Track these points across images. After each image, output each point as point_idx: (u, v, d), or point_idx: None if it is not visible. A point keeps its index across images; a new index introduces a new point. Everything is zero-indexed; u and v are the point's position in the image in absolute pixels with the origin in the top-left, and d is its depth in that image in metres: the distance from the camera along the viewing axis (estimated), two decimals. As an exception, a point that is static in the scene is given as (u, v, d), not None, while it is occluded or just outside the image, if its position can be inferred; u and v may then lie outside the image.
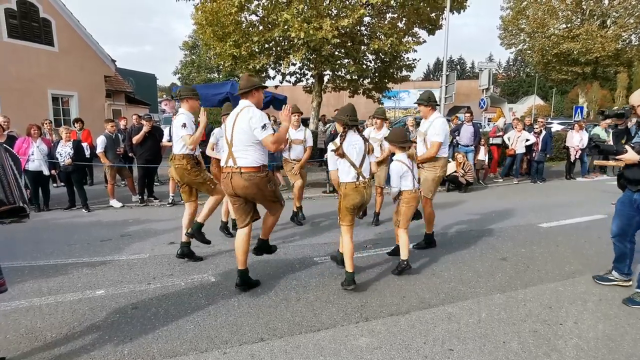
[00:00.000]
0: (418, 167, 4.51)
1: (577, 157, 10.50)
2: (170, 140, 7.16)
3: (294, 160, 5.54)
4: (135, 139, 7.27)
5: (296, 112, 5.48)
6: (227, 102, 6.23)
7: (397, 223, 3.89)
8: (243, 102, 3.30)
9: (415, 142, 4.67)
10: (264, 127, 3.09)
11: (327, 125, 12.32)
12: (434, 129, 4.36)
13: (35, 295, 3.38)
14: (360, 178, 3.36)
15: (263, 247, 3.74)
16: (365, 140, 3.46)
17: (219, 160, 4.91)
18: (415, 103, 5.00)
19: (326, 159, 8.74)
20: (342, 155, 3.31)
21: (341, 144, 3.33)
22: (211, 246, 4.66)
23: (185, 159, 4.05)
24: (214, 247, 4.68)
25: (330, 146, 3.41)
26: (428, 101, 4.44)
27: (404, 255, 3.77)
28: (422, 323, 2.92)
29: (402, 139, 3.83)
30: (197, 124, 4.11)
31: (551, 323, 2.92)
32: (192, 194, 4.30)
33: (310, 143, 5.71)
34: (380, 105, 6.58)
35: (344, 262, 3.46)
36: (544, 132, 9.80)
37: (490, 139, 10.30)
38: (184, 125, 3.95)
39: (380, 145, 5.54)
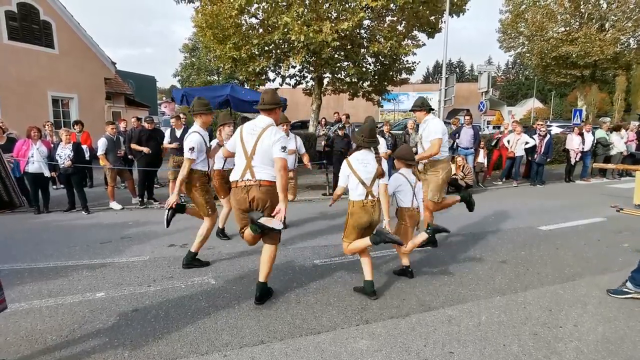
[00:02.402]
0: (423, 173, 4.55)
1: (577, 159, 10.52)
2: (170, 142, 7.26)
3: None
4: (134, 147, 7.30)
5: (283, 122, 5.44)
6: (223, 112, 6.24)
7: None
8: (266, 119, 3.20)
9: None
10: (283, 149, 3.10)
11: (328, 127, 12.32)
12: (429, 129, 4.44)
13: (35, 297, 3.38)
14: (369, 197, 3.31)
15: (263, 292, 3.31)
16: (379, 162, 3.41)
17: (220, 173, 4.89)
18: (410, 110, 5.08)
19: (326, 162, 8.75)
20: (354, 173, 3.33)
21: (347, 155, 3.34)
22: (211, 249, 4.67)
23: (196, 175, 4.00)
24: (214, 249, 4.69)
25: (345, 164, 3.38)
26: (421, 106, 4.55)
27: (405, 262, 3.86)
28: (422, 326, 2.93)
29: (410, 156, 3.84)
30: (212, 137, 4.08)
31: (551, 326, 2.92)
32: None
33: (303, 150, 5.72)
34: (369, 115, 6.68)
35: (360, 247, 3.40)
36: (548, 136, 9.83)
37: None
38: (192, 150, 3.88)
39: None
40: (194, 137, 3.97)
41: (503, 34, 23.55)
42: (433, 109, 4.86)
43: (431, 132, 4.40)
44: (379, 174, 3.36)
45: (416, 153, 4.61)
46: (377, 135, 5.73)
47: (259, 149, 3.11)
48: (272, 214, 3.06)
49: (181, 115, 8.08)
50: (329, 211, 6.53)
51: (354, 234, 3.37)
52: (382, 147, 5.61)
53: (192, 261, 4.11)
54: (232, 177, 3.22)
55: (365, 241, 3.32)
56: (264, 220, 2.96)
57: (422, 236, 3.65)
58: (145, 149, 7.24)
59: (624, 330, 2.87)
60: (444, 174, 4.50)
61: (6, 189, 2.20)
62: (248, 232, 3.19)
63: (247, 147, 3.16)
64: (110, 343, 2.68)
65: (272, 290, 3.45)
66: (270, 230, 3.04)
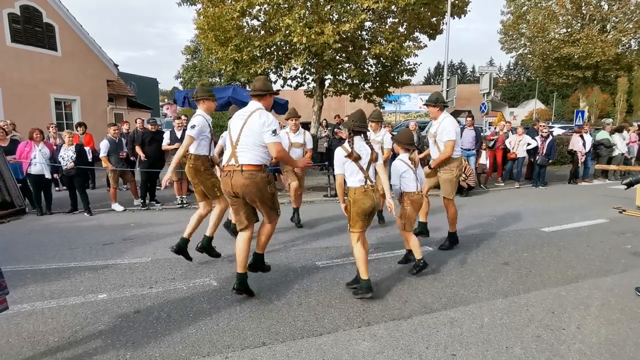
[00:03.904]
0: (434, 169, 4.55)
1: (582, 161, 10.49)
2: (170, 144, 7.27)
3: None
4: (137, 150, 7.34)
5: (294, 116, 5.50)
6: (232, 105, 6.29)
7: (403, 226, 3.88)
8: (255, 104, 3.30)
9: (419, 148, 4.71)
10: (274, 132, 3.16)
11: (330, 129, 12.33)
12: (444, 129, 4.38)
13: (38, 299, 3.39)
14: (368, 182, 3.33)
15: (258, 263, 3.54)
16: (371, 147, 3.44)
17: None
18: (424, 104, 5.02)
19: (328, 164, 8.70)
20: (358, 158, 3.27)
21: (352, 148, 3.29)
22: (213, 250, 4.67)
23: (200, 160, 4.04)
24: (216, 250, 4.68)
25: (340, 151, 3.33)
26: (436, 102, 4.47)
27: (418, 255, 3.81)
28: (424, 328, 2.92)
29: (408, 141, 3.86)
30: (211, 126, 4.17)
31: (554, 328, 2.91)
32: (205, 194, 4.31)
33: (310, 146, 5.73)
34: (376, 108, 6.75)
35: (359, 269, 3.39)
36: (550, 137, 9.82)
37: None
38: (193, 127, 3.94)
39: (381, 147, 5.55)
40: (198, 118, 4.02)
41: (504, 35, 23.57)
42: (447, 105, 4.81)
43: (444, 133, 4.35)
44: (374, 159, 3.40)
45: (420, 151, 4.60)
46: (386, 132, 5.76)
47: (245, 132, 3.18)
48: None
49: (182, 117, 8.10)
50: (330, 213, 6.53)
51: (360, 222, 3.33)
52: (387, 143, 5.59)
53: (207, 246, 4.15)
54: (223, 161, 3.35)
55: (362, 259, 3.35)
56: None
57: (418, 251, 3.79)
58: (142, 155, 7.26)
59: (626, 332, 2.86)
60: (457, 172, 4.50)
61: (8, 190, 2.22)
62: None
63: (232, 133, 3.25)
64: (112, 345, 2.68)
65: (268, 267, 3.66)
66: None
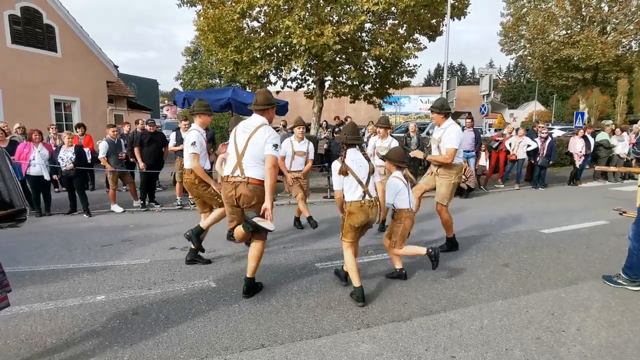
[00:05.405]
0: (435, 173, 4.53)
1: (580, 162, 10.49)
2: (176, 145, 7.28)
3: (294, 171, 5.57)
4: (136, 153, 7.36)
5: (301, 125, 5.52)
6: (233, 117, 6.37)
7: (393, 244, 3.76)
8: (259, 119, 3.32)
9: (419, 157, 4.72)
10: (275, 146, 3.21)
11: (330, 130, 12.34)
12: (448, 136, 4.36)
13: (36, 300, 3.38)
14: (367, 197, 3.30)
15: (250, 287, 3.45)
16: (368, 159, 3.42)
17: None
18: (428, 110, 5.02)
19: (327, 165, 8.67)
20: (346, 172, 3.26)
21: (343, 162, 3.29)
22: (212, 251, 4.66)
23: (194, 174, 4.12)
24: (215, 252, 4.68)
25: (335, 165, 3.34)
26: (441, 108, 4.45)
27: (398, 264, 3.81)
28: (423, 329, 2.91)
29: (399, 158, 3.80)
30: (208, 136, 4.25)
31: (554, 330, 2.90)
32: (205, 204, 4.39)
33: (311, 156, 5.79)
34: (384, 115, 6.76)
35: (349, 277, 3.42)
36: (549, 139, 9.82)
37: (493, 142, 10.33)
38: (193, 144, 4.07)
39: None
40: (194, 133, 4.16)
41: (504, 37, 23.57)
42: (451, 112, 4.80)
43: (449, 139, 4.34)
44: (372, 171, 3.40)
45: (408, 151, 4.58)
46: (393, 139, 5.75)
47: (250, 147, 3.22)
48: (260, 213, 3.19)
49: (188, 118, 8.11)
50: (330, 214, 6.52)
51: (352, 233, 3.37)
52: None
53: (196, 237, 4.15)
54: (224, 172, 3.36)
55: (353, 268, 3.36)
56: (256, 220, 3.09)
57: (419, 250, 3.68)
58: (141, 165, 7.29)
59: (627, 334, 2.85)
60: (456, 178, 4.47)
61: (8, 190, 2.20)
62: (239, 228, 3.31)
63: (239, 144, 3.28)
64: (110, 346, 2.67)
65: (261, 285, 3.60)
66: (261, 229, 3.16)
